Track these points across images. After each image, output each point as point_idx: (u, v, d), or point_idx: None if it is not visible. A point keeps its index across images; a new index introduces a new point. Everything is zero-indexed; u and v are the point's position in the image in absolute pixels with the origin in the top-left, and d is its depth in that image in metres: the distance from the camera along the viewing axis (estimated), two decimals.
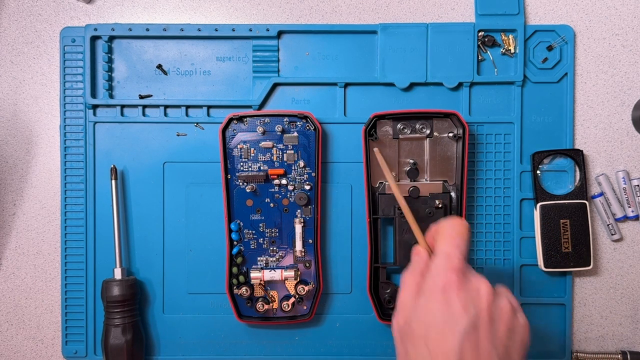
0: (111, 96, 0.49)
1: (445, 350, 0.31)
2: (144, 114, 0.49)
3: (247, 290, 0.47)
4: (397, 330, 0.35)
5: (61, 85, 0.48)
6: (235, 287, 0.47)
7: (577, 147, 0.50)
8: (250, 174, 0.47)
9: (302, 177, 0.47)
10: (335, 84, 0.49)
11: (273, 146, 0.47)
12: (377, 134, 0.47)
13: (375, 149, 0.45)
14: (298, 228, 0.47)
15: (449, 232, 0.35)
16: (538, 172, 0.49)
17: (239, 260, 0.47)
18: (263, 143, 0.47)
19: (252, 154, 0.47)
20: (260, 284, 0.47)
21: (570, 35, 0.49)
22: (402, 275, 0.36)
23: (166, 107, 0.49)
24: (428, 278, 0.34)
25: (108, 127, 0.49)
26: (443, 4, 0.50)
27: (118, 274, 0.47)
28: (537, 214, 0.48)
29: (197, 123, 0.49)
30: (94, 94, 0.49)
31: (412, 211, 0.47)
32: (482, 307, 0.32)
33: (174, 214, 0.49)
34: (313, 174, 0.47)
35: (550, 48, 0.49)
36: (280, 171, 0.47)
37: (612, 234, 0.49)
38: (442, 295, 0.32)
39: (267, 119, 0.47)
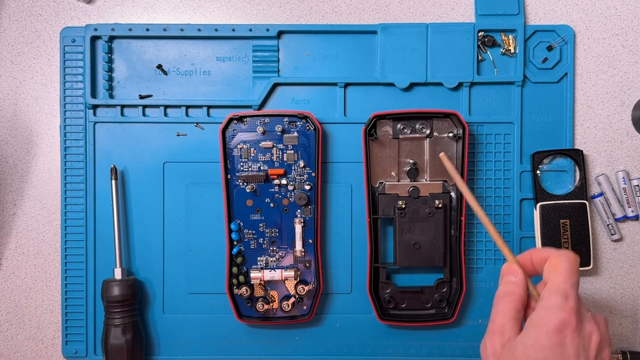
0: (111, 96, 0.49)
1: None
2: (144, 114, 0.49)
3: (247, 290, 0.47)
4: (493, 354, 0.34)
5: (61, 85, 0.48)
6: (235, 287, 0.47)
7: (577, 147, 0.50)
8: (250, 174, 0.47)
9: (302, 177, 0.47)
10: (335, 84, 0.49)
11: (273, 146, 0.47)
12: (377, 134, 0.47)
13: (442, 154, 0.42)
14: (298, 228, 0.47)
15: (567, 269, 0.34)
16: (538, 172, 0.49)
17: (239, 260, 0.47)
18: (263, 143, 0.47)
19: (252, 154, 0.47)
20: (260, 284, 0.47)
21: (570, 35, 0.49)
22: (496, 297, 0.35)
23: (166, 107, 0.49)
24: (541, 312, 0.33)
25: (108, 127, 0.49)
26: (443, 4, 0.50)
27: (118, 274, 0.47)
28: (537, 214, 0.48)
29: (197, 123, 0.49)
30: (94, 94, 0.49)
31: (412, 211, 0.47)
32: (591, 356, 0.32)
33: (174, 214, 0.49)
34: (313, 174, 0.47)
35: (550, 48, 0.49)
36: (280, 171, 0.47)
37: (612, 234, 0.49)
38: (556, 335, 0.32)
39: (267, 119, 0.47)
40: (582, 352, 0.32)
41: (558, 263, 0.34)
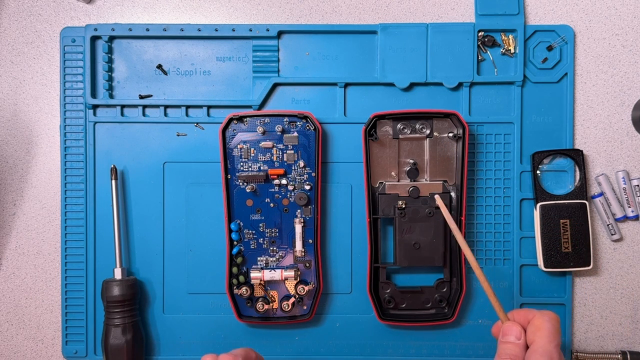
0: (111, 96, 0.49)
1: None
2: (144, 114, 0.49)
3: (247, 290, 0.47)
4: None
5: (61, 85, 0.48)
6: (235, 287, 0.47)
7: (577, 147, 0.50)
8: (250, 174, 0.47)
9: (302, 177, 0.47)
10: (335, 84, 0.49)
11: (273, 146, 0.47)
12: (377, 134, 0.47)
13: (436, 196, 0.45)
14: (298, 228, 0.47)
15: (551, 330, 0.36)
16: (538, 172, 0.49)
17: (239, 260, 0.47)
18: (263, 143, 0.47)
19: (252, 154, 0.47)
20: (260, 284, 0.47)
21: (570, 35, 0.49)
22: (497, 358, 0.37)
23: (166, 107, 0.49)
24: None
25: (108, 127, 0.49)
26: (443, 4, 0.50)
27: (118, 274, 0.47)
28: (537, 214, 0.48)
29: (197, 123, 0.49)
30: (94, 94, 0.49)
31: (412, 211, 0.47)
32: None
33: (174, 214, 0.49)
34: (313, 174, 0.47)
35: (550, 48, 0.49)
36: (280, 171, 0.47)
37: (612, 234, 0.49)
38: None
39: (267, 119, 0.47)
40: None
41: (542, 324, 0.36)
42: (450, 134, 0.47)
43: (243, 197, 0.47)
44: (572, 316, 0.50)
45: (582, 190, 0.48)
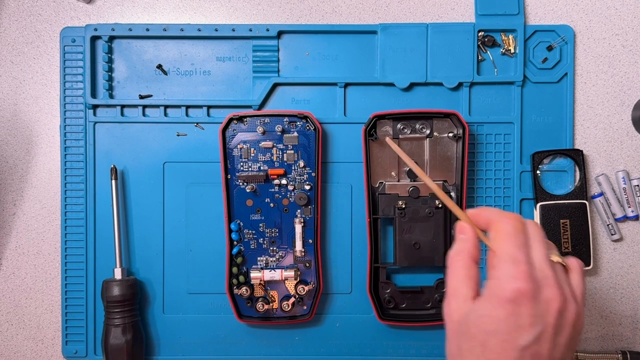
0: (111, 96, 0.49)
1: None
2: (144, 114, 0.49)
3: (247, 290, 0.47)
4: (450, 322, 0.32)
5: (61, 85, 0.48)
6: (235, 287, 0.47)
7: (577, 147, 0.50)
8: (250, 174, 0.47)
9: (302, 177, 0.47)
10: (335, 84, 0.49)
11: (273, 146, 0.47)
12: (377, 134, 0.47)
13: (387, 138, 0.43)
14: (298, 228, 0.47)
15: (510, 231, 0.32)
16: (538, 172, 0.49)
17: (239, 260, 0.47)
18: (263, 143, 0.47)
19: (252, 154, 0.47)
20: (260, 284, 0.47)
21: (570, 35, 0.49)
22: (448, 256, 0.33)
23: (166, 107, 0.49)
24: (493, 282, 0.31)
25: (108, 127, 0.49)
26: (443, 4, 0.50)
27: (118, 274, 0.47)
28: (537, 214, 0.48)
29: (197, 123, 0.49)
30: (94, 94, 0.49)
31: (412, 211, 0.47)
32: (549, 323, 0.30)
33: (174, 214, 0.49)
34: (313, 174, 0.47)
35: (550, 48, 0.49)
36: (280, 171, 0.47)
37: (612, 234, 0.49)
38: (510, 306, 0.29)
39: (267, 119, 0.47)
40: (539, 321, 0.29)
41: (500, 228, 0.32)
42: (450, 134, 0.47)
43: (243, 197, 0.47)
44: None
45: (582, 190, 0.48)
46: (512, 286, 0.30)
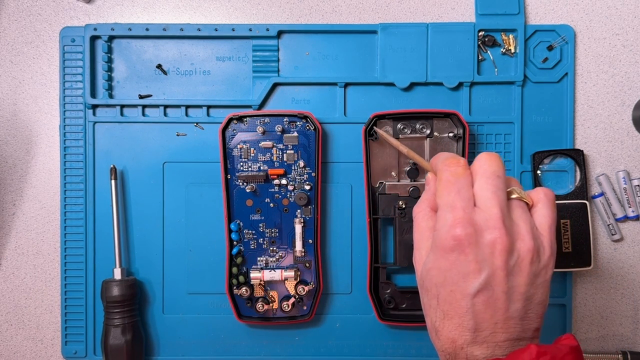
0: (111, 96, 0.49)
1: (459, 313, 0.29)
2: (143, 114, 0.49)
3: (247, 291, 0.47)
4: (417, 277, 0.32)
5: (61, 85, 0.48)
6: (235, 287, 0.47)
7: (577, 147, 0.50)
8: (250, 174, 0.47)
9: (302, 177, 0.47)
10: (335, 84, 0.49)
11: (273, 146, 0.47)
12: (377, 134, 0.47)
13: (378, 130, 0.43)
14: (298, 228, 0.47)
15: (444, 178, 0.31)
16: (538, 172, 0.49)
17: (239, 260, 0.47)
18: (263, 143, 0.47)
19: (252, 154, 0.47)
20: (260, 284, 0.47)
21: (571, 35, 0.49)
22: (413, 211, 0.33)
23: (166, 107, 0.49)
24: (435, 234, 0.30)
25: (108, 127, 0.49)
26: (443, 4, 0.50)
27: (118, 274, 0.47)
28: None
29: (197, 123, 0.49)
30: (93, 94, 0.48)
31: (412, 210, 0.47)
32: (498, 265, 0.29)
33: (174, 214, 0.49)
34: (313, 174, 0.47)
35: (550, 48, 0.49)
36: (280, 171, 0.47)
37: (613, 234, 0.49)
38: (452, 254, 0.29)
39: (267, 119, 0.47)
40: (485, 265, 0.29)
41: (439, 177, 0.31)
42: (451, 134, 0.47)
43: (243, 197, 0.47)
44: (573, 316, 0.50)
45: (582, 190, 0.48)
46: (450, 234, 0.29)
